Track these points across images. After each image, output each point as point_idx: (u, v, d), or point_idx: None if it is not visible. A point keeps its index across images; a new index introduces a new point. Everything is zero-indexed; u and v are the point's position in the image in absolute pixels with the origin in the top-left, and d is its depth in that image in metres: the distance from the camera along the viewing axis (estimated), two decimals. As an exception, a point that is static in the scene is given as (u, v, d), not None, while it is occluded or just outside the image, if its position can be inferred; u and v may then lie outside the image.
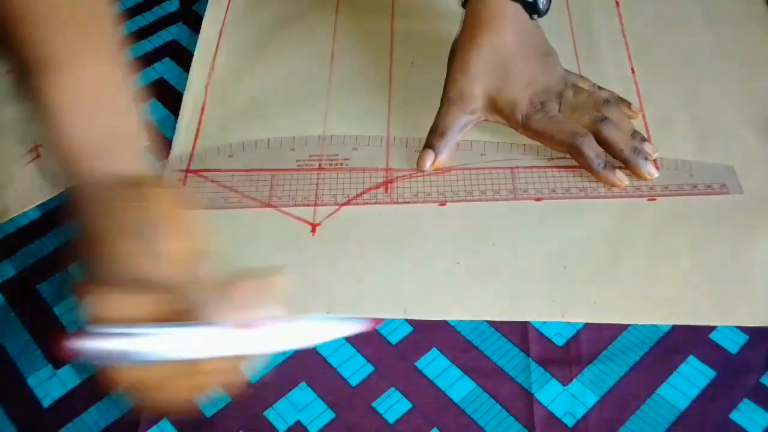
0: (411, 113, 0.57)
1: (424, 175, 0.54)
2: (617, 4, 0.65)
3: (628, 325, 0.46)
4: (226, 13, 0.67)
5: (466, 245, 0.50)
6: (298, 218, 0.52)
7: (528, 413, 0.43)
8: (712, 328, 0.45)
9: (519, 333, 0.46)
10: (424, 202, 0.52)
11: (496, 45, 0.54)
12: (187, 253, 0.34)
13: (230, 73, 0.62)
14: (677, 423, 0.42)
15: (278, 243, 0.50)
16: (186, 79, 0.62)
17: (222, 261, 0.49)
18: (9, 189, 0.55)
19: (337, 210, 0.52)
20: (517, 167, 0.54)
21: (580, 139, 0.52)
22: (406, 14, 0.66)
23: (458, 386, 0.44)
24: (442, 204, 0.52)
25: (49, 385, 0.45)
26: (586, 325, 0.46)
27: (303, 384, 0.44)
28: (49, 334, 0.47)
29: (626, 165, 0.52)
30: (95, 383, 0.44)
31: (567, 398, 0.43)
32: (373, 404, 0.43)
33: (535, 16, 0.55)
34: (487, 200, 0.52)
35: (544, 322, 0.46)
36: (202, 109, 0.59)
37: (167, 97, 0.61)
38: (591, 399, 0.43)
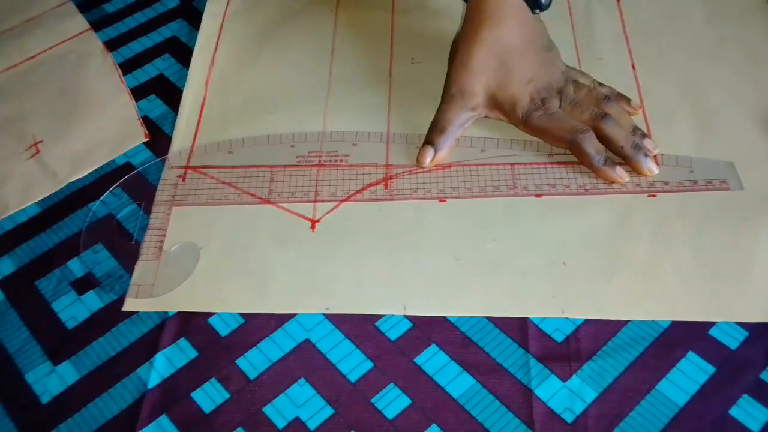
0: (411, 109, 0.57)
1: (423, 172, 0.53)
2: (618, 0, 0.65)
3: (628, 321, 0.46)
4: (225, 9, 0.67)
5: (465, 241, 0.50)
6: (298, 214, 0.52)
7: (527, 409, 0.42)
8: (711, 324, 0.45)
9: (518, 329, 0.46)
10: (424, 198, 0.52)
11: (497, 41, 0.54)
12: None
13: (230, 69, 0.62)
14: (677, 419, 0.42)
15: (278, 239, 0.50)
16: (186, 75, 0.62)
17: (221, 257, 0.50)
18: (8, 185, 0.55)
19: (336, 206, 0.52)
20: (517, 163, 0.53)
21: (581, 135, 0.52)
22: (406, 10, 0.66)
23: (458, 382, 0.44)
24: (442, 200, 0.52)
25: (48, 382, 0.45)
26: (586, 321, 0.46)
27: (302, 380, 0.44)
28: (48, 331, 0.47)
29: (626, 162, 0.52)
30: (94, 379, 0.45)
31: (566, 394, 0.43)
32: (373, 400, 0.43)
33: (537, 11, 0.54)
34: (486, 196, 0.52)
35: (544, 318, 0.46)
36: (202, 106, 0.59)
37: (167, 93, 0.61)
38: (590, 395, 0.43)
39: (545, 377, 0.44)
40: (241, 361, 0.45)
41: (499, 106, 0.54)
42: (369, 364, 0.45)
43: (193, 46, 0.64)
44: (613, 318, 0.46)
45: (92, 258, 0.50)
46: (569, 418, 0.42)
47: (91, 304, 0.48)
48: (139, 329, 0.47)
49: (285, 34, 0.65)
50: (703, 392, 0.43)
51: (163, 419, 0.43)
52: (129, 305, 0.48)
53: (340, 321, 0.47)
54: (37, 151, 0.56)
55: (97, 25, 0.66)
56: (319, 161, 0.55)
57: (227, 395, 0.44)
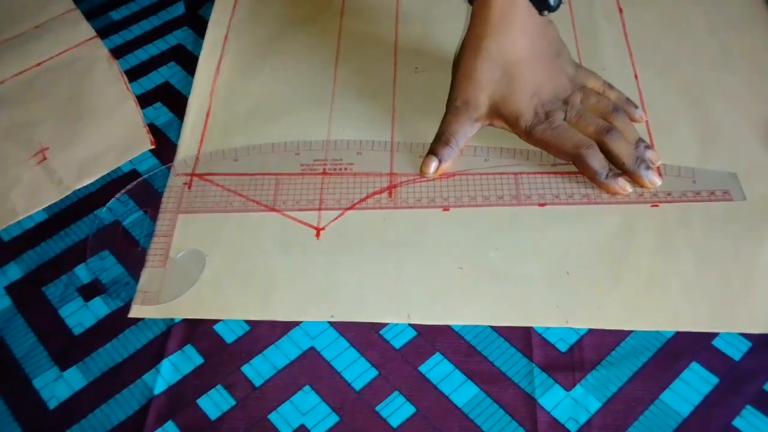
0: (415, 118, 0.58)
1: (427, 181, 0.54)
2: (620, 10, 0.66)
3: (631, 331, 0.46)
4: (231, 18, 0.68)
5: (469, 250, 0.50)
6: (303, 222, 0.52)
7: (531, 418, 0.43)
8: (715, 335, 0.45)
9: (522, 338, 0.46)
10: (428, 207, 0.52)
11: (502, 50, 0.53)
12: None
13: (235, 77, 0.62)
14: (680, 429, 0.42)
15: (283, 247, 0.51)
16: (191, 83, 0.62)
17: (227, 264, 0.50)
18: (15, 191, 0.55)
19: (341, 214, 0.52)
20: (521, 173, 0.54)
21: (585, 150, 0.52)
22: (410, 19, 0.66)
23: (462, 391, 0.44)
24: (446, 209, 0.52)
25: (55, 387, 0.45)
26: (590, 330, 0.46)
27: (307, 387, 0.45)
28: (55, 337, 0.47)
29: (629, 175, 0.52)
30: (101, 385, 0.45)
31: (570, 404, 0.43)
32: (377, 408, 0.44)
33: (546, 12, 0.53)
34: (490, 206, 0.52)
35: (548, 328, 0.46)
36: (207, 113, 0.60)
37: (172, 101, 0.61)
38: (594, 405, 0.43)
39: (549, 387, 0.44)
40: (246, 368, 0.45)
41: (503, 118, 0.55)
42: (374, 372, 0.45)
43: (199, 54, 0.64)
44: (616, 328, 0.46)
45: (99, 264, 0.51)
46: (573, 427, 0.42)
47: (97, 310, 0.48)
48: (146, 336, 0.47)
49: (289, 42, 0.65)
50: (707, 403, 0.43)
51: (170, 425, 0.43)
52: (135, 312, 0.48)
53: (344, 329, 0.47)
54: (44, 158, 0.57)
55: (103, 33, 0.67)
56: (324, 169, 0.55)
57: (233, 402, 0.44)
